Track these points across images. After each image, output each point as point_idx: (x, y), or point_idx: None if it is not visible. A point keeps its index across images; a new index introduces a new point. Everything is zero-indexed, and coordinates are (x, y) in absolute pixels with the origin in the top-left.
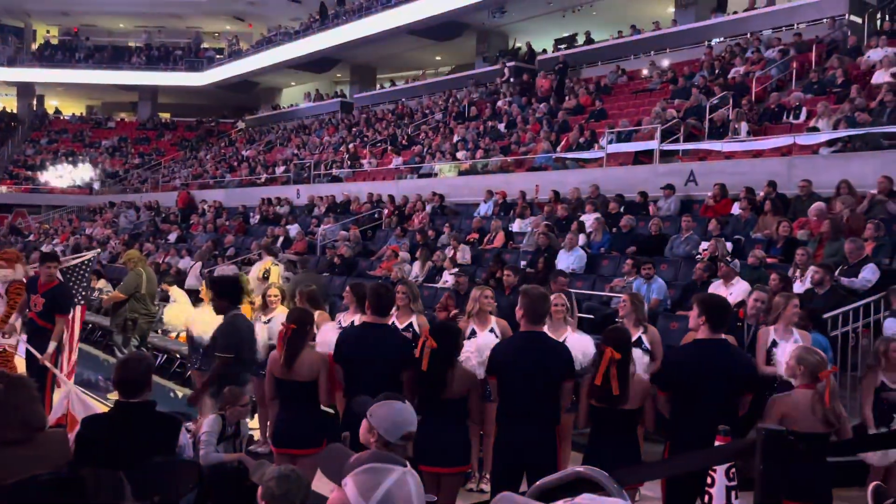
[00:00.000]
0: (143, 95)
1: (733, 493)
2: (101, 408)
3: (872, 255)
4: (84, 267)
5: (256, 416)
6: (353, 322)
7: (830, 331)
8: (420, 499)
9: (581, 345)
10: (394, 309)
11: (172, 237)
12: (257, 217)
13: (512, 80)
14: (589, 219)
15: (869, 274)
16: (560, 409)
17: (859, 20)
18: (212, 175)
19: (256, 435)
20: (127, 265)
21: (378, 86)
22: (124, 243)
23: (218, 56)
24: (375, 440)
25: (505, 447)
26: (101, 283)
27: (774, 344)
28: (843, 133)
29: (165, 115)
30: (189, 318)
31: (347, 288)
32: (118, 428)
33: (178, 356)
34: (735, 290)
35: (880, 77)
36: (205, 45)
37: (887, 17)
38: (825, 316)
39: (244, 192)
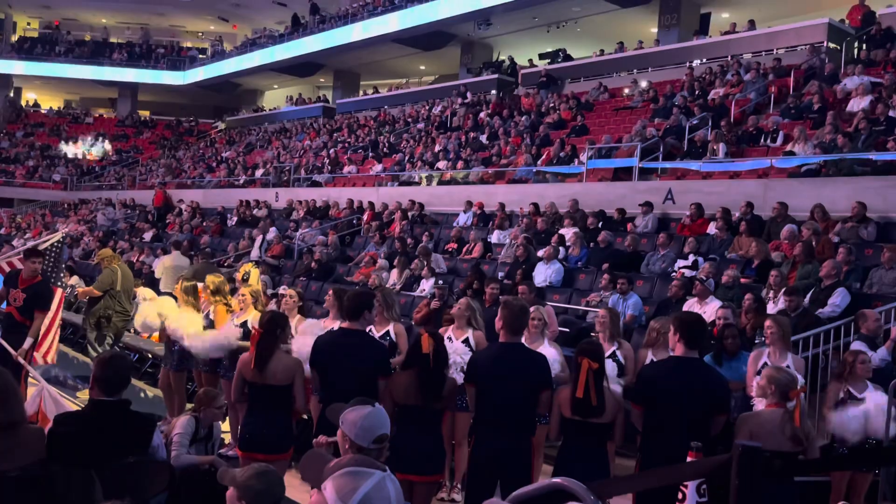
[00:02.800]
0: (122, 92)
1: None
2: (73, 406)
3: (844, 279)
4: (55, 249)
5: (228, 418)
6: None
7: (801, 352)
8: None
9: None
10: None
11: (148, 236)
12: (235, 219)
13: (494, 92)
14: (567, 233)
15: (839, 298)
16: (535, 419)
17: (837, 48)
18: (190, 175)
19: (228, 438)
20: (101, 263)
21: (361, 92)
22: (98, 240)
23: (201, 56)
24: (349, 446)
25: (481, 456)
26: (74, 280)
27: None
28: (818, 158)
29: (145, 113)
30: (168, 317)
31: (330, 292)
32: (92, 426)
33: (150, 356)
34: (709, 309)
35: (856, 104)
36: (188, 44)
37: (864, 46)
38: (796, 337)
39: (222, 193)
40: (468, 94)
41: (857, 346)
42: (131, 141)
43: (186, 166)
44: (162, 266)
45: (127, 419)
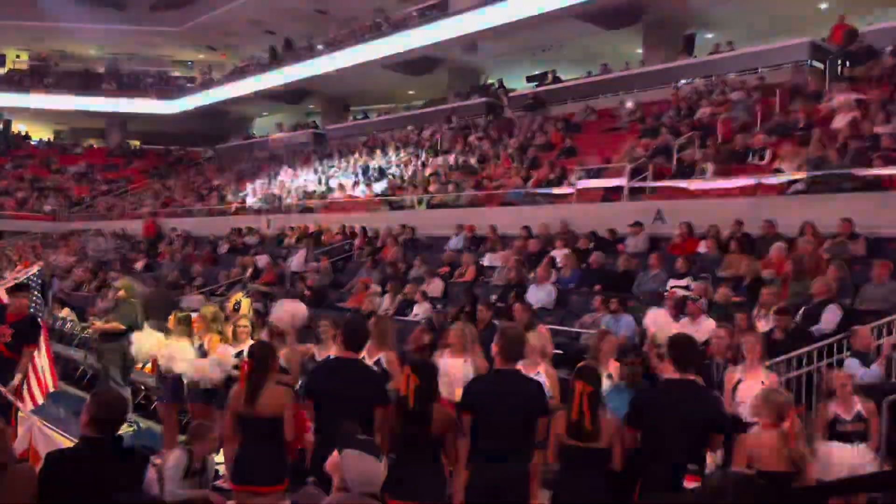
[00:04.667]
0: (112, 122)
1: None
2: (64, 442)
3: (835, 295)
4: (33, 281)
5: (222, 450)
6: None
7: (794, 370)
8: None
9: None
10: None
11: (139, 266)
12: (226, 247)
13: (485, 116)
14: (559, 254)
15: (831, 315)
16: (534, 446)
17: (820, 66)
18: (180, 203)
19: (222, 469)
20: (119, 295)
21: (351, 117)
22: (90, 271)
23: (189, 84)
24: (338, 481)
25: (479, 485)
26: (66, 312)
27: (740, 382)
28: (806, 175)
29: (135, 142)
30: (159, 349)
31: (326, 321)
32: (84, 464)
33: (142, 388)
34: (702, 329)
35: (840, 121)
36: (176, 73)
37: (846, 63)
38: (789, 355)
39: (213, 221)
40: (453, 119)
41: (849, 362)
42: (121, 171)
43: (177, 195)
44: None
45: (118, 456)
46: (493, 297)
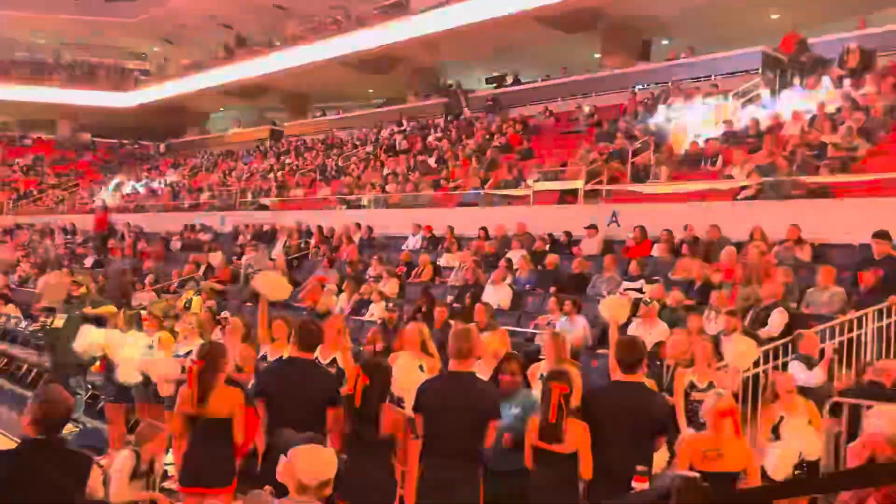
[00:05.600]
0: (62, 113)
1: None
2: (6, 443)
3: (782, 299)
4: None
5: (172, 450)
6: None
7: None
8: None
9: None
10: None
11: (89, 261)
12: (179, 243)
13: (444, 116)
14: (515, 256)
15: (778, 318)
16: (484, 448)
17: (771, 75)
18: (133, 198)
19: (172, 470)
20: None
21: (309, 115)
22: (36, 267)
23: (144, 77)
24: (294, 482)
25: (430, 486)
26: (10, 309)
27: (692, 386)
28: (755, 182)
29: (86, 135)
30: (108, 347)
31: (280, 321)
32: (24, 466)
33: (89, 387)
34: (654, 331)
35: (790, 129)
36: (131, 65)
37: (797, 72)
38: None
39: (167, 217)
40: (403, 122)
41: (793, 366)
42: (72, 164)
43: (129, 189)
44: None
45: (61, 458)
46: (450, 298)
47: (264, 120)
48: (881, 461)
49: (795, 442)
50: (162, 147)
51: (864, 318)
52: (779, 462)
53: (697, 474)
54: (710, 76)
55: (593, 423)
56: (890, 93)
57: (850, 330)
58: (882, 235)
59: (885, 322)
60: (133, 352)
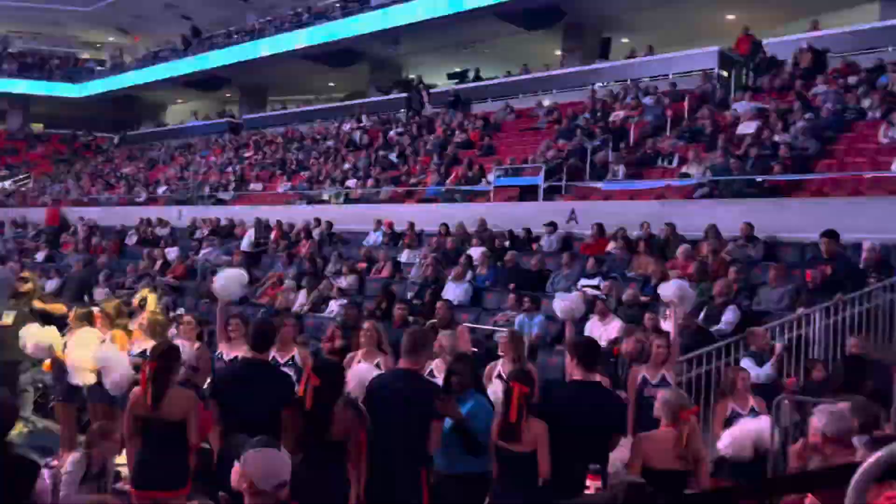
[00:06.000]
0: (13, 104)
1: None
2: None
3: (734, 297)
4: None
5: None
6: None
7: (695, 369)
8: None
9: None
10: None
11: (40, 257)
12: (135, 238)
13: (405, 111)
14: (475, 252)
15: (730, 316)
16: (428, 448)
17: (727, 75)
18: (87, 192)
19: (124, 471)
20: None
21: (269, 108)
22: None
23: (99, 68)
24: (247, 487)
25: (375, 485)
26: None
27: (645, 382)
28: (710, 179)
29: (38, 126)
30: (57, 346)
31: (237, 319)
32: None
33: (39, 385)
34: (610, 328)
35: (744, 129)
36: (85, 55)
37: (751, 73)
38: (690, 355)
39: (122, 211)
40: (363, 119)
41: (745, 362)
42: (22, 156)
43: (83, 182)
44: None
45: (6, 464)
46: (410, 294)
47: (223, 113)
48: (820, 460)
49: (751, 424)
50: (116, 139)
51: (812, 316)
52: (733, 440)
53: (642, 479)
54: (668, 75)
55: (551, 422)
56: (840, 93)
57: (799, 327)
58: (830, 234)
59: (832, 319)
60: (84, 352)
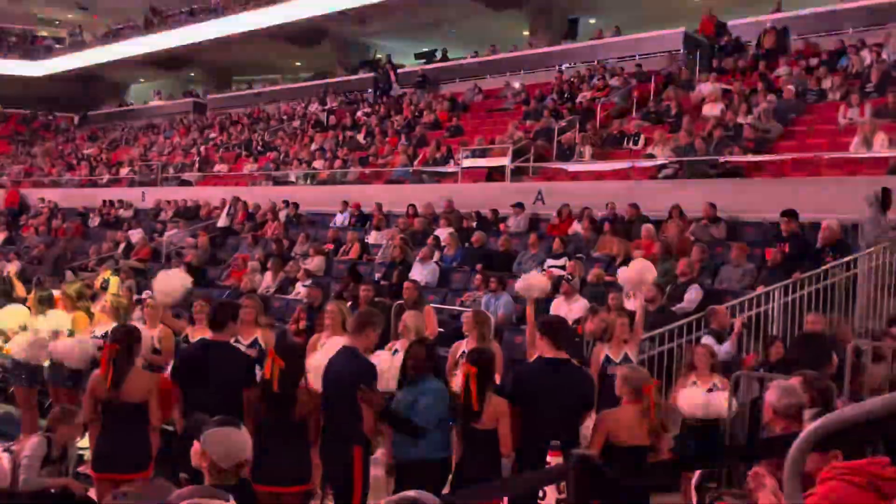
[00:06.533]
0: None
1: None
2: None
3: (697, 276)
4: None
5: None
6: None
7: (657, 346)
8: None
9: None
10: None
11: None
12: (97, 220)
13: (373, 91)
14: (443, 233)
15: (693, 294)
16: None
17: (692, 56)
18: (47, 173)
19: (87, 455)
20: None
21: (234, 88)
22: None
23: (58, 46)
24: (208, 465)
25: (323, 462)
26: None
27: (608, 360)
28: (674, 161)
29: None
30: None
31: (201, 301)
32: None
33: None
34: (575, 307)
35: (709, 110)
36: (44, 33)
37: (715, 55)
38: (652, 333)
39: (84, 192)
40: (327, 100)
41: (706, 340)
42: None
43: (42, 163)
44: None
45: None
46: (378, 275)
47: (187, 92)
48: (776, 433)
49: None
50: (76, 119)
51: (770, 294)
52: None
53: (594, 454)
54: (634, 56)
55: (525, 400)
56: (802, 75)
57: (759, 305)
58: (789, 214)
59: (790, 297)
60: (41, 334)
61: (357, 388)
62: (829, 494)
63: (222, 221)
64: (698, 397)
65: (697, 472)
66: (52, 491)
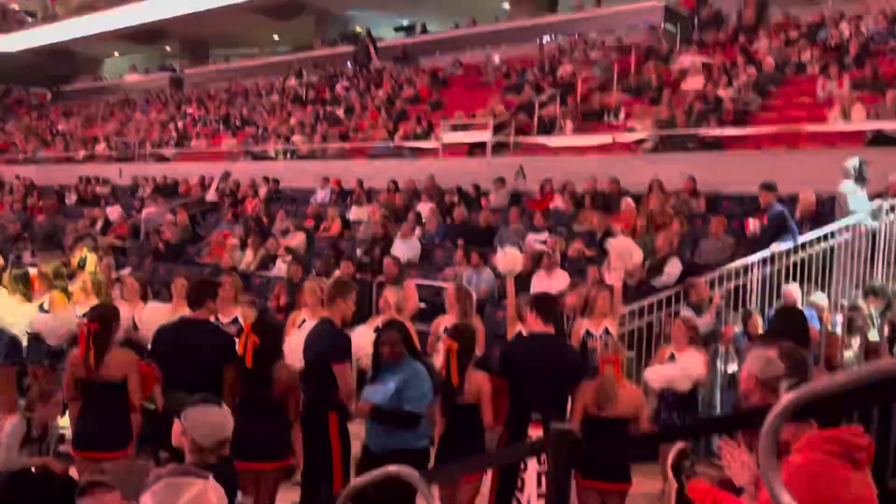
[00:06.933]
0: None
1: (543, 477)
2: None
3: (677, 249)
4: None
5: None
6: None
7: (637, 320)
8: None
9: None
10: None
11: None
12: (74, 197)
13: (350, 64)
14: (424, 209)
15: (673, 267)
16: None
17: (673, 29)
18: (21, 149)
19: (69, 434)
20: None
21: (211, 62)
22: None
23: (30, 19)
24: (188, 443)
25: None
26: None
27: (588, 334)
28: (654, 134)
29: None
30: None
31: (181, 279)
32: None
33: None
34: (556, 281)
35: (689, 83)
36: (14, 6)
37: (696, 28)
38: (632, 307)
39: (59, 169)
40: (308, 73)
41: (686, 313)
42: None
43: (17, 140)
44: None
45: None
46: (359, 252)
47: (163, 67)
48: (753, 402)
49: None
50: (49, 95)
51: (749, 266)
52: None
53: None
54: (615, 29)
55: (514, 375)
56: (781, 48)
57: (738, 277)
58: (768, 187)
59: (768, 269)
60: (17, 316)
61: (329, 358)
62: (804, 464)
63: (211, 196)
64: (666, 371)
65: (672, 452)
66: (33, 470)
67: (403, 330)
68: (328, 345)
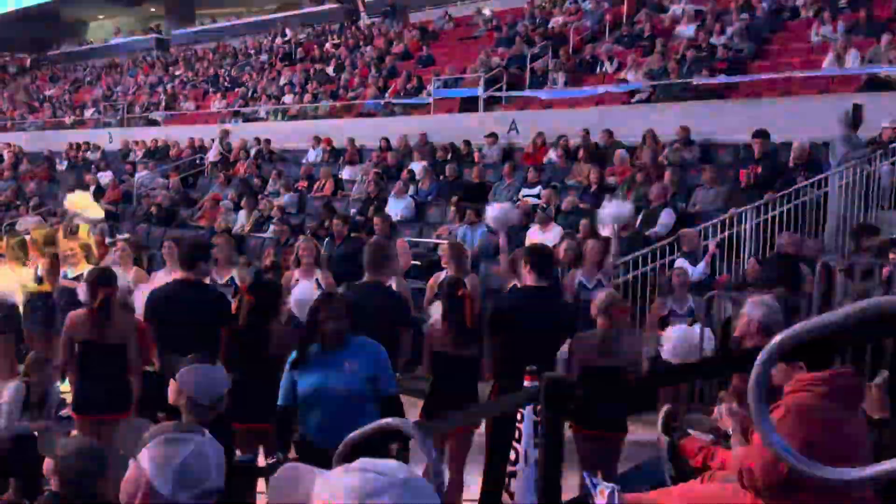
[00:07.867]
0: None
1: (539, 427)
2: None
3: (670, 199)
4: None
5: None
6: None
7: (631, 271)
8: (219, 468)
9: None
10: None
11: None
12: (65, 163)
13: (341, 22)
14: (417, 167)
15: (666, 218)
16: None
17: None
18: (9, 115)
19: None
20: None
21: (197, 23)
22: None
23: None
24: (185, 402)
25: None
26: None
27: (582, 285)
28: (647, 84)
29: None
30: None
31: (171, 242)
32: None
33: None
34: (550, 235)
35: (682, 31)
36: None
37: None
38: (626, 258)
39: (49, 135)
40: (288, 32)
41: (680, 263)
42: None
43: (4, 107)
44: None
45: None
46: (353, 211)
47: (149, 29)
48: (749, 346)
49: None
50: (29, 61)
51: (743, 215)
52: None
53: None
54: None
55: (511, 328)
56: None
57: (731, 226)
58: (761, 134)
59: (762, 217)
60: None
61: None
62: (795, 406)
63: (213, 156)
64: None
65: (660, 414)
66: (35, 434)
67: (343, 300)
68: (399, 311)
